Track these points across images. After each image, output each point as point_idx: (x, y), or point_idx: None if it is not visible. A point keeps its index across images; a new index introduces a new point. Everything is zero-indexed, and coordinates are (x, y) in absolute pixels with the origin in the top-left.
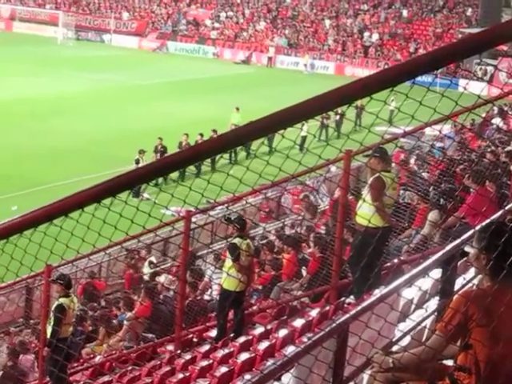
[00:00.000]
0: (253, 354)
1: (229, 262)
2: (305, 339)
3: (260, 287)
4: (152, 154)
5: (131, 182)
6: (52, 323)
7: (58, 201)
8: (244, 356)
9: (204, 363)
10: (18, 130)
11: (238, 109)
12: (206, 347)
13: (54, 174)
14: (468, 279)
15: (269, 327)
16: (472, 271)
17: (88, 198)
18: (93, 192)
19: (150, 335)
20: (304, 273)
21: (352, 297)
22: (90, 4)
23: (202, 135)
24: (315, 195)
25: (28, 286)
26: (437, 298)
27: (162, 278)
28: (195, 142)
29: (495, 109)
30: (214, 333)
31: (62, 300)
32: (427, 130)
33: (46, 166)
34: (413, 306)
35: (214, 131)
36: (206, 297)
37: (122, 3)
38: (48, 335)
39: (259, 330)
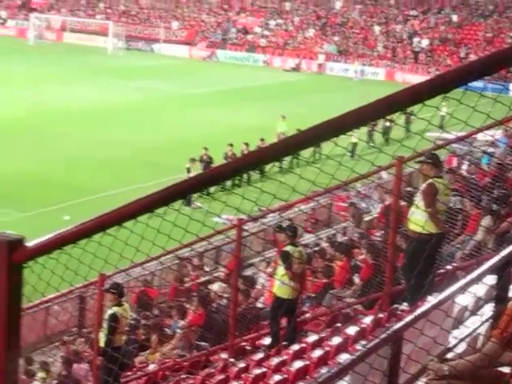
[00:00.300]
0: (306, 362)
1: (281, 270)
2: (358, 347)
3: (312, 295)
4: (195, 164)
5: (184, 191)
6: (106, 332)
7: (112, 211)
8: (297, 364)
9: (258, 371)
10: (68, 140)
11: (284, 117)
12: (260, 355)
13: (104, 183)
14: None
15: (322, 335)
16: None
17: (142, 208)
18: (146, 202)
19: (203, 343)
20: (356, 280)
21: (405, 304)
22: (139, 14)
23: (247, 145)
24: (367, 202)
25: (81, 295)
26: (491, 304)
27: (215, 286)
28: (241, 151)
29: None
30: (266, 341)
31: (114, 309)
32: (479, 136)
33: (95, 176)
34: (467, 313)
35: (262, 140)
36: (259, 304)
37: (172, 12)
38: (101, 344)
39: (312, 337)
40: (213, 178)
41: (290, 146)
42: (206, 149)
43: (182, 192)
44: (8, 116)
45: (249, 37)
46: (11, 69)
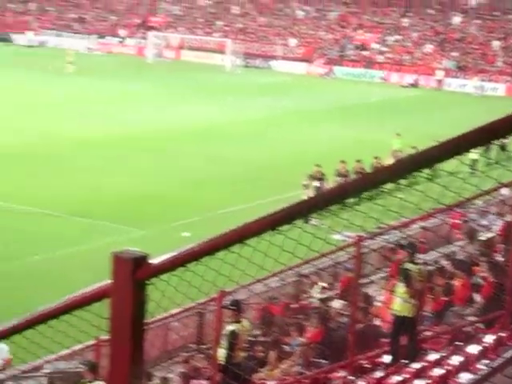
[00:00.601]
0: (428, 381)
1: (401, 287)
2: (480, 366)
3: (432, 313)
4: (312, 182)
5: (308, 209)
6: (225, 348)
7: (236, 228)
8: (418, 383)
9: None
10: (188, 158)
11: (398, 134)
12: (379, 373)
13: (223, 200)
14: None
15: (442, 353)
16: None
17: (265, 226)
18: (270, 219)
19: (322, 361)
20: (476, 298)
21: None
22: (257, 31)
23: (359, 161)
24: (489, 219)
25: (200, 311)
26: None
27: (335, 304)
28: (353, 168)
29: None
30: (385, 358)
31: (233, 325)
32: None
33: (214, 193)
34: None
35: (376, 158)
36: (376, 322)
37: (289, 30)
38: (220, 360)
39: (433, 356)
40: (338, 195)
41: (407, 167)
42: (318, 166)
43: (304, 210)
44: (131, 135)
45: (366, 53)
46: (132, 87)
